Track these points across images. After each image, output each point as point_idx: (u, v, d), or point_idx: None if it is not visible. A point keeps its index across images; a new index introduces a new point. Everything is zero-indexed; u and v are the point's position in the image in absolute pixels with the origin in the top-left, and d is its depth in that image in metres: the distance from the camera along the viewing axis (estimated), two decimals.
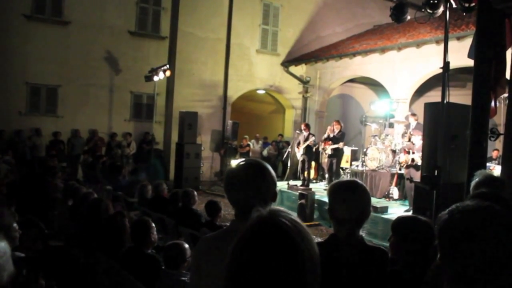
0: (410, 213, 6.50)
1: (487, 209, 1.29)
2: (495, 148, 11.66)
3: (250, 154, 15.69)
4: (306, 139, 11.30)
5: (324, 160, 12.21)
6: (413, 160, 8.95)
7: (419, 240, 2.44)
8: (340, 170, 11.77)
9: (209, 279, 1.76)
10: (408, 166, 9.18)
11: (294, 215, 1.12)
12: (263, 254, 1.02)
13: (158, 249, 4.19)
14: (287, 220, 1.07)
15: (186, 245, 3.69)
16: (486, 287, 1.23)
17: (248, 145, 16.00)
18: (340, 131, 11.33)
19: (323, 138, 11.99)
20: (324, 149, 11.67)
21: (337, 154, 11.36)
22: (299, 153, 11.56)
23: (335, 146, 11.19)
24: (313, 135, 11.47)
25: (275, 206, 1.30)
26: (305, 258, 1.03)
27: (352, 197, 2.07)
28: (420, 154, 8.58)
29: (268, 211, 1.10)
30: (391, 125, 12.57)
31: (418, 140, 9.01)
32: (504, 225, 1.25)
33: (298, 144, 11.62)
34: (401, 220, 2.64)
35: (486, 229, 1.24)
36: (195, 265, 1.88)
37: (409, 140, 9.94)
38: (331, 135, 11.56)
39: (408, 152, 9.39)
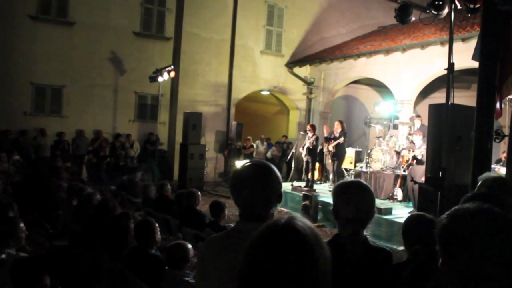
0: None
1: (487, 211, 1.28)
2: (504, 150, 11.57)
3: (254, 155, 15.70)
4: (310, 139, 11.28)
5: (329, 161, 12.17)
6: (414, 157, 8.94)
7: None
8: (344, 171, 11.73)
9: (214, 279, 1.77)
10: (409, 165, 9.18)
11: (308, 221, 1.14)
12: (279, 258, 1.02)
13: (162, 249, 4.19)
14: (305, 226, 1.08)
15: (190, 246, 3.70)
16: None
17: (252, 146, 15.99)
18: (342, 131, 11.23)
19: (324, 138, 11.94)
20: (328, 150, 11.59)
21: (338, 154, 11.25)
22: (303, 154, 11.55)
23: (336, 142, 11.09)
24: (317, 136, 11.43)
25: (280, 207, 1.31)
26: (319, 265, 1.04)
27: (357, 197, 2.07)
28: (421, 150, 8.60)
29: (286, 217, 1.12)
30: (395, 127, 12.54)
31: (418, 140, 9.02)
32: (504, 227, 1.25)
33: (304, 145, 11.60)
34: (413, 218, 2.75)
35: (487, 232, 1.23)
36: (200, 266, 1.88)
37: (411, 141, 9.95)
38: (331, 136, 11.50)
39: (409, 151, 9.40)
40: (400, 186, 10.14)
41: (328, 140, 11.63)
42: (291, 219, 1.10)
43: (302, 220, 1.11)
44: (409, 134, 10.74)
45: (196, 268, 2.03)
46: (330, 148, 11.35)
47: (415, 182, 7.93)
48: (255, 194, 1.78)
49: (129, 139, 14.31)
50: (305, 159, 11.55)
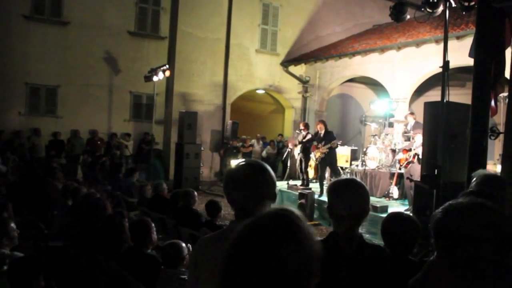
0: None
1: (480, 205, 1.30)
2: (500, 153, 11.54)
3: (252, 154, 15.72)
4: (304, 138, 11.18)
5: (311, 163, 11.76)
6: (415, 155, 8.93)
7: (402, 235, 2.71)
8: (340, 169, 11.54)
9: (206, 278, 1.76)
10: (408, 163, 9.18)
11: (299, 213, 1.12)
12: (260, 253, 1.03)
13: (158, 249, 4.18)
14: (293, 224, 1.08)
15: (183, 244, 3.71)
16: (485, 279, 1.25)
17: (251, 145, 16.01)
18: (326, 131, 10.63)
19: (306, 139, 11.04)
20: (316, 157, 10.82)
21: (328, 159, 10.55)
22: (296, 152, 11.48)
23: (328, 145, 10.34)
24: (311, 134, 11.32)
25: (275, 205, 1.30)
26: (298, 261, 1.04)
27: (350, 194, 2.08)
28: (421, 148, 8.61)
29: (273, 209, 1.12)
30: (390, 125, 12.57)
31: (419, 138, 9.04)
32: (496, 219, 1.27)
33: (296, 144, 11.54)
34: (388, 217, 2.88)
35: (479, 225, 1.25)
36: (193, 265, 1.89)
37: (409, 139, 9.93)
38: (313, 137, 10.94)
39: (409, 150, 9.39)
40: (395, 184, 10.16)
41: (310, 140, 10.98)
42: (279, 214, 1.10)
43: (291, 215, 1.10)
44: (405, 132, 10.75)
45: (189, 267, 2.03)
46: (317, 155, 10.68)
47: (411, 180, 7.95)
48: (248, 194, 1.78)
49: (126, 138, 14.28)
50: (298, 157, 11.48)
